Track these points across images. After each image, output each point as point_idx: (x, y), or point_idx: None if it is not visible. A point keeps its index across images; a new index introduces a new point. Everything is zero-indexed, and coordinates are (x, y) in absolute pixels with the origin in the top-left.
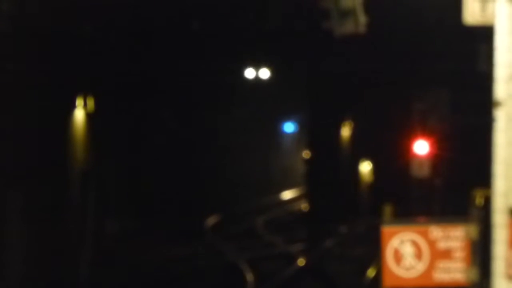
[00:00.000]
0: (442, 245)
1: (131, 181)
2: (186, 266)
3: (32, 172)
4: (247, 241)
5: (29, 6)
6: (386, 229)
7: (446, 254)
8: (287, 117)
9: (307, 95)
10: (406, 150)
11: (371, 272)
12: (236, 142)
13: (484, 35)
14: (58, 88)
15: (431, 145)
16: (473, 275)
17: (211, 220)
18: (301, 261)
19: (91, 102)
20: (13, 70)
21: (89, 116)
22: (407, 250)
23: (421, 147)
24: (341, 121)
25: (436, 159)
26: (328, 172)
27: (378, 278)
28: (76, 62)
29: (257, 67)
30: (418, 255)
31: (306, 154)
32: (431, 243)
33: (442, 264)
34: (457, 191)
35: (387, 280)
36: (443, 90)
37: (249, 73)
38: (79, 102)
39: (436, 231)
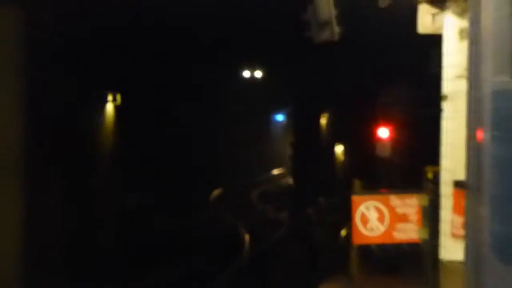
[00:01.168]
0: (400, 210)
1: (150, 163)
2: (196, 231)
3: (73, 153)
4: (244, 209)
5: (67, 17)
6: (355, 198)
7: (403, 218)
8: (277, 109)
9: (292, 93)
10: (371, 135)
11: (343, 233)
12: (235, 130)
13: (434, 42)
14: (93, 86)
15: (392, 131)
16: (424, 234)
17: (215, 193)
18: (287, 225)
19: (119, 98)
20: (55, 72)
21: (117, 109)
22: (372, 214)
23: (384, 132)
24: (320, 112)
25: (395, 142)
26: (309, 153)
27: (349, 237)
28: (107, 65)
29: (252, 69)
30: (381, 218)
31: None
32: (391, 209)
33: (400, 225)
34: (412, 168)
35: (356, 239)
36: (402, 87)
37: (246, 74)
38: (110, 97)
39: (395, 200)
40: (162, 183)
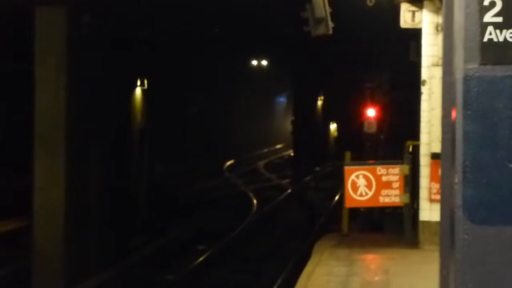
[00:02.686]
0: (385, 178)
1: (174, 138)
2: (212, 194)
3: (109, 130)
4: (252, 177)
5: (104, 16)
6: (347, 168)
7: (388, 185)
8: (280, 92)
9: (293, 79)
10: (360, 114)
11: (336, 198)
12: (245, 110)
13: (414, 35)
14: (125, 73)
15: (377, 111)
16: (406, 199)
17: (228, 163)
18: (289, 190)
19: (146, 82)
20: (95, 62)
21: (145, 92)
22: (361, 182)
23: (371, 112)
24: (317, 95)
25: (380, 121)
26: (307, 130)
27: (341, 201)
28: (137, 54)
29: (259, 58)
30: (369, 185)
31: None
32: (377, 177)
33: (385, 191)
34: (394, 143)
35: (347, 203)
36: (386, 74)
37: (253, 63)
38: (138, 82)
39: (381, 169)
40: (183, 153)
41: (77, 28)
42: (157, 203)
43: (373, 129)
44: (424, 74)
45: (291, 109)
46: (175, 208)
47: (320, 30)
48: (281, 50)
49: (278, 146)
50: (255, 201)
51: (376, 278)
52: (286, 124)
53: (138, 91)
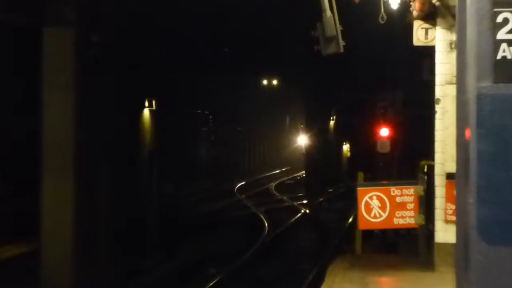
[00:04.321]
0: (399, 199)
1: (184, 159)
2: (223, 216)
3: (118, 152)
4: (264, 198)
5: (113, 37)
6: (360, 189)
7: (402, 206)
8: (291, 112)
9: (304, 98)
10: (373, 134)
11: (350, 220)
12: (255, 131)
13: (428, 53)
14: (133, 94)
15: (390, 131)
16: (421, 220)
17: (239, 184)
18: (302, 211)
19: (154, 103)
20: (104, 83)
21: (153, 113)
22: (375, 203)
23: (384, 132)
24: (329, 115)
25: (394, 140)
26: (319, 150)
27: (355, 222)
28: (145, 75)
29: (269, 78)
30: (383, 207)
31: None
32: (391, 198)
33: (399, 213)
34: (408, 162)
35: (361, 225)
36: (399, 92)
37: (264, 82)
38: (147, 103)
39: (395, 190)
40: (193, 175)
41: (86, 48)
42: (166, 224)
43: (386, 148)
44: (438, 92)
45: (302, 128)
46: (185, 229)
47: (331, 49)
48: (292, 69)
49: (284, 169)
50: (266, 223)
51: None
52: (291, 144)
53: (146, 112)
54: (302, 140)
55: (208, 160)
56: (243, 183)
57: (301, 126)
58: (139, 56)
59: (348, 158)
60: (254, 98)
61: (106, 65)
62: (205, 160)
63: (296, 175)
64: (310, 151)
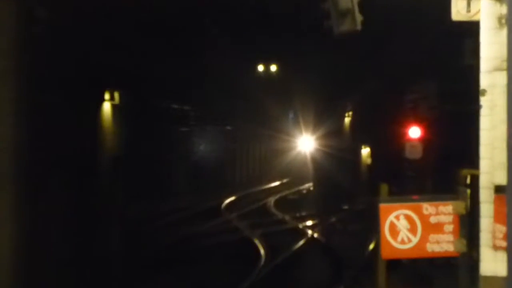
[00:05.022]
0: (434, 220)
1: (157, 167)
2: (207, 242)
3: (67, 157)
4: (260, 218)
5: (62, 12)
6: (383, 206)
7: (438, 228)
8: (292, 106)
9: (313, 91)
10: (400, 135)
11: (371, 246)
12: (248, 131)
13: (470, 31)
14: (90, 84)
15: (423, 131)
16: (462, 246)
17: (228, 200)
18: (309, 234)
19: (117, 96)
20: (51, 69)
21: (116, 108)
22: (403, 225)
23: (414, 132)
24: (344, 111)
25: (427, 142)
26: (331, 157)
27: (377, 250)
28: (105, 59)
29: (267, 63)
30: (413, 229)
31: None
32: (424, 218)
33: (434, 237)
34: (445, 171)
35: (385, 253)
36: (433, 82)
37: (260, 68)
38: (107, 95)
39: (428, 208)
40: (169, 187)
41: (29, 24)
42: (134, 253)
43: (417, 153)
44: (484, 81)
45: (308, 128)
46: (157, 260)
47: (346, 26)
48: (295, 53)
49: (290, 179)
50: (262, 251)
51: None
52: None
53: (107, 107)
54: (309, 143)
55: (189, 168)
56: (232, 198)
57: (307, 125)
58: (99, 38)
59: (368, 166)
60: (248, 89)
61: (55, 47)
62: (185, 168)
63: (301, 188)
64: (319, 158)
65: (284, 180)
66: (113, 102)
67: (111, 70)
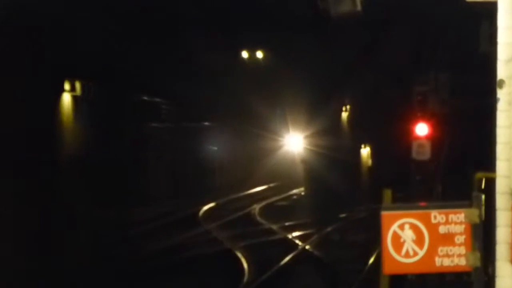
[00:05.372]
0: (443, 229)
1: (126, 169)
2: (182, 255)
3: (20, 159)
4: (243, 228)
5: None
6: (386, 214)
7: (448, 239)
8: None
9: (305, 81)
10: (405, 133)
11: (371, 258)
12: (230, 127)
13: (486, 13)
14: (46, 72)
15: (432, 128)
16: (475, 260)
17: (206, 207)
18: (301, 247)
19: (78, 86)
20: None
21: (77, 100)
22: (408, 235)
23: (422, 129)
24: (340, 104)
25: (436, 142)
26: (326, 158)
27: (378, 264)
28: (64, 44)
29: (252, 48)
30: (419, 240)
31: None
32: (433, 228)
33: (443, 249)
34: (457, 174)
35: (387, 267)
36: (444, 72)
37: (244, 55)
38: (67, 85)
39: (437, 216)
40: (139, 193)
41: None
42: (101, 267)
43: (425, 154)
44: (501, 71)
45: (296, 125)
46: (126, 276)
47: (344, 7)
48: (285, 37)
49: (280, 183)
50: (246, 266)
51: None
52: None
53: (66, 98)
54: (300, 142)
55: (161, 171)
56: (212, 205)
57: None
58: (59, 18)
59: (369, 169)
60: (230, 80)
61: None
62: (157, 171)
63: (290, 192)
64: (311, 159)
65: (272, 184)
66: (74, 93)
67: (72, 56)
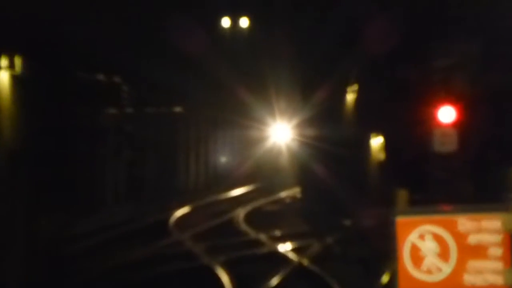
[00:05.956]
0: (473, 239)
1: (76, 166)
2: (147, 272)
3: None
4: (223, 239)
5: None
6: (401, 221)
7: (479, 252)
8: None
9: (298, 55)
10: (426, 119)
11: (383, 278)
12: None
13: None
14: None
15: (458, 113)
16: None
17: (178, 213)
18: (295, 262)
19: (19, 62)
20: None
21: (17, 80)
22: (429, 247)
23: (447, 114)
24: (344, 84)
25: (464, 129)
26: (326, 152)
27: (393, 285)
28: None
29: (235, 15)
30: (444, 253)
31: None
32: (460, 238)
33: (474, 264)
34: (491, 170)
35: (403, 287)
36: (474, 42)
37: (225, 23)
38: (4, 61)
39: (466, 222)
40: (92, 195)
41: None
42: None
43: (450, 145)
44: None
45: (287, 112)
46: None
47: None
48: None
49: (264, 183)
50: (227, 286)
51: None
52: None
53: (3, 77)
54: (292, 133)
55: (121, 168)
56: (185, 210)
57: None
58: None
59: (381, 164)
60: (207, 54)
61: None
62: (115, 168)
63: (282, 195)
64: (308, 153)
65: (259, 184)
66: (13, 72)
67: (12, 27)
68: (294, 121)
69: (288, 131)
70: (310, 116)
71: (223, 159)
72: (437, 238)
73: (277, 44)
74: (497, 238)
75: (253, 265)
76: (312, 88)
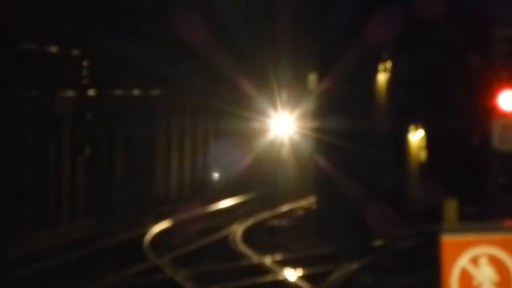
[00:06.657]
0: None
1: (19, 169)
2: None
3: None
4: (215, 265)
5: None
6: (448, 241)
7: None
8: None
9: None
10: (483, 108)
11: None
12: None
13: None
14: None
15: None
16: None
17: (158, 229)
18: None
19: None
20: None
21: None
22: (485, 274)
23: (509, 101)
24: (375, 62)
25: None
26: (348, 148)
27: None
28: None
29: None
30: (504, 282)
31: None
32: None
33: None
34: None
35: None
36: None
37: None
38: None
39: None
40: (46, 209)
41: None
42: None
43: None
44: None
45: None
46: None
47: None
48: None
49: (269, 191)
50: None
51: None
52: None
53: None
54: (304, 127)
55: (79, 170)
56: (165, 225)
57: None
58: None
59: (422, 166)
60: (188, 21)
61: None
62: (72, 169)
63: (292, 205)
64: (327, 154)
65: (261, 192)
66: None
67: None
68: (303, 112)
69: (305, 125)
70: (332, 106)
71: (215, 160)
72: (495, 263)
73: (279, 22)
74: None
75: None
76: (327, 68)
